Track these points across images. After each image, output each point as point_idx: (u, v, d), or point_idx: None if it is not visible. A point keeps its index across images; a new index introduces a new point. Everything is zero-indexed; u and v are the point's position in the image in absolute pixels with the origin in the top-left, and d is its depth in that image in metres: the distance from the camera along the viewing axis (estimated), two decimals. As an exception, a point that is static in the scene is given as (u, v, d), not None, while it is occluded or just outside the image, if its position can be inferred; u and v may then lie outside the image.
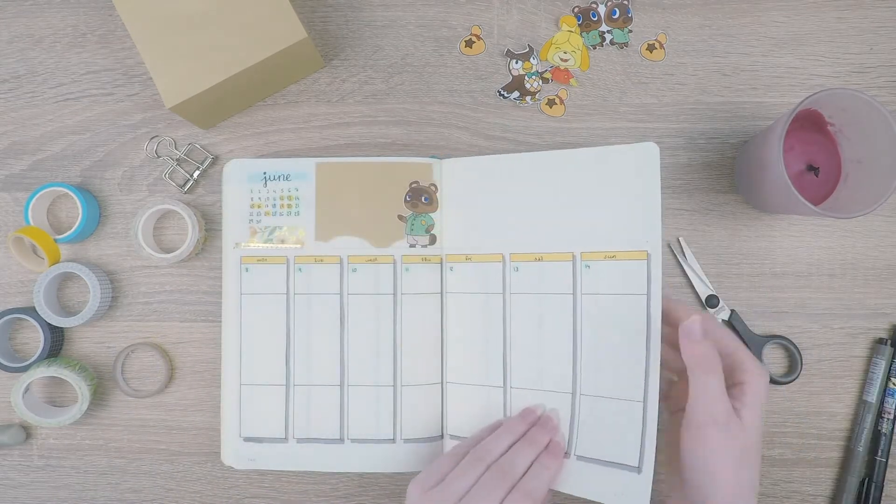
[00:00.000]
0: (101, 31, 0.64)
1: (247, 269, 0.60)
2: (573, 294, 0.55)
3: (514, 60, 0.63)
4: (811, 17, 0.63)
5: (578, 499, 0.53)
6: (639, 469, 0.50)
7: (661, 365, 0.51)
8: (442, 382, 0.59)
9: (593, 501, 0.52)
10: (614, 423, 0.52)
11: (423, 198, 0.60)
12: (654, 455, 0.50)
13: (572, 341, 0.55)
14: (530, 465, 0.52)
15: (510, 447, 0.53)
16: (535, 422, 0.55)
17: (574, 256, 0.55)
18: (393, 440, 0.58)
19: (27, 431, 0.62)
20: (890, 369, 0.60)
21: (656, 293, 0.51)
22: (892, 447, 0.60)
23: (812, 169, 0.58)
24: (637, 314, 0.52)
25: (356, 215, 0.60)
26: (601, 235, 0.55)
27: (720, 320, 0.61)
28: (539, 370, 0.56)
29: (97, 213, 0.62)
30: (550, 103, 0.63)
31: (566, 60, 0.63)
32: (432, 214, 0.60)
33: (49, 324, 0.60)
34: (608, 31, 0.63)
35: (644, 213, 0.53)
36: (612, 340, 0.53)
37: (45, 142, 0.63)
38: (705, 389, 0.47)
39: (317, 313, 0.60)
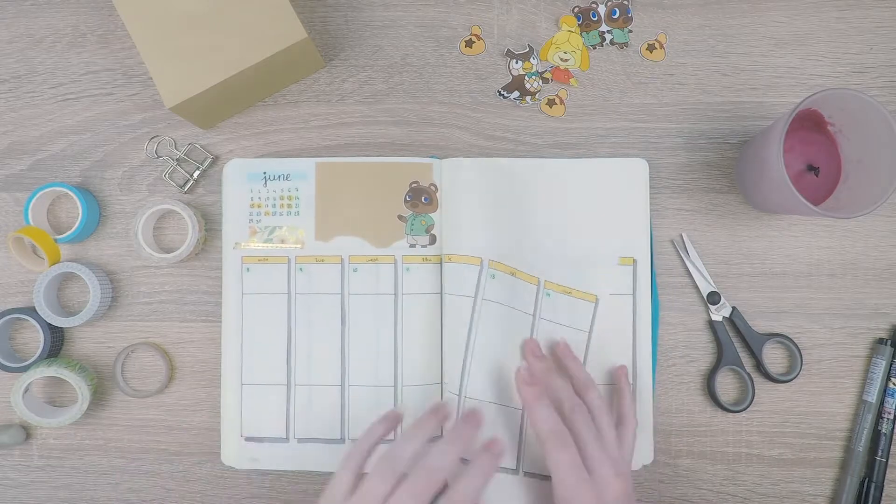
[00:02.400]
0: (101, 31, 0.64)
1: (248, 269, 0.60)
2: (532, 316, 0.58)
3: (514, 60, 0.63)
4: (811, 17, 0.63)
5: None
6: None
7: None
8: (442, 382, 0.59)
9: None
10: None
11: (423, 198, 0.60)
12: (651, 419, 0.58)
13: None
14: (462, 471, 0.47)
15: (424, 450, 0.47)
16: (447, 418, 0.51)
17: (539, 282, 0.59)
18: (394, 440, 0.58)
19: (27, 431, 0.62)
20: (890, 369, 0.60)
21: (643, 295, 0.60)
22: (892, 447, 0.60)
23: (812, 169, 0.58)
24: (625, 313, 0.59)
25: (356, 215, 0.60)
26: (593, 238, 0.59)
27: (721, 318, 0.61)
28: (497, 382, 0.57)
29: (97, 213, 0.62)
30: (550, 103, 0.63)
31: (566, 60, 0.63)
32: (432, 214, 0.60)
33: (49, 324, 0.60)
34: (608, 31, 0.63)
35: (633, 220, 0.60)
36: (601, 341, 0.59)
37: (45, 142, 0.63)
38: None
39: (318, 313, 0.60)
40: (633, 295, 0.60)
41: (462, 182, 0.60)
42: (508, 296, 0.58)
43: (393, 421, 0.52)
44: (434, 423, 0.50)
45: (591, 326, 0.59)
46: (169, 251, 0.61)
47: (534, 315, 0.58)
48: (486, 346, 0.57)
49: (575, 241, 0.60)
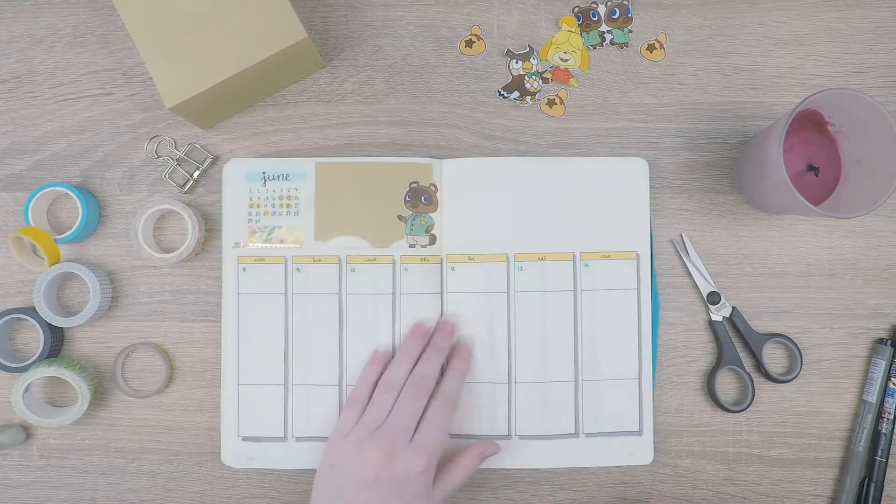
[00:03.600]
0: (101, 31, 0.64)
1: (244, 269, 0.60)
2: (574, 291, 0.60)
3: (514, 60, 0.63)
4: (811, 17, 0.63)
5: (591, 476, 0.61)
6: (640, 432, 0.60)
7: None
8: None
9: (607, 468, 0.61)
10: (614, 400, 0.60)
11: (422, 198, 0.60)
12: (651, 419, 0.60)
13: (573, 334, 0.60)
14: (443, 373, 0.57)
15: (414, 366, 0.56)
16: (427, 335, 0.58)
17: (574, 256, 0.60)
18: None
19: (27, 431, 0.62)
20: (890, 369, 0.60)
21: (645, 288, 0.60)
22: (892, 447, 0.60)
23: (812, 169, 0.58)
24: (629, 306, 0.60)
25: (356, 215, 0.60)
26: (595, 238, 0.60)
27: (721, 318, 0.61)
28: (543, 363, 0.59)
29: (97, 213, 0.62)
30: (550, 103, 0.63)
31: (566, 60, 0.63)
32: (432, 214, 0.60)
33: (49, 324, 0.60)
34: (608, 31, 0.63)
35: (633, 219, 0.60)
36: (609, 330, 0.60)
37: (45, 142, 0.63)
38: None
39: (315, 313, 0.60)
40: (637, 290, 0.60)
41: (468, 182, 0.60)
42: (539, 282, 0.60)
43: (382, 360, 0.58)
44: (416, 344, 0.57)
45: (639, 283, 0.60)
46: (169, 251, 0.61)
47: (574, 290, 0.60)
48: (528, 334, 0.60)
49: (579, 237, 0.60)
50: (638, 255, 0.60)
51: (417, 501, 0.50)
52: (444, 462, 0.55)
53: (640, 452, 0.60)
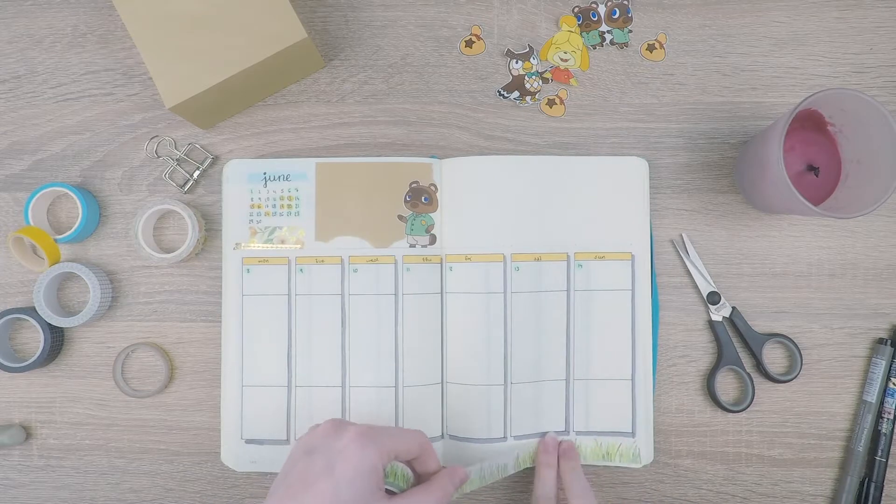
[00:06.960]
0: (101, 31, 0.64)
1: (248, 270, 0.60)
2: (567, 291, 0.60)
3: (514, 60, 0.63)
4: (811, 17, 0.63)
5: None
6: (632, 433, 0.60)
7: None
8: (442, 382, 0.59)
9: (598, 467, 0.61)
10: (606, 400, 0.60)
11: (423, 198, 0.60)
12: (650, 420, 0.60)
13: (566, 334, 0.60)
14: None
15: None
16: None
17: (568, 256, 0.60)
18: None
19: (27, 431, 0.62)
20: (890, 369, 0.60)
21: (642, 288, 0.60)
22: (892, 447, 0.60)
23: (812, 169, 0.58)
24: (623, 307, 0.60)
25: (356, 215, 0.60)
26: (593, 238, 0.60)
27: (721, 318, 0.61)
28: (537, 365, 0.59)
29: (97, 213, 0.62)
30: (550, 103, 0.63)
31: (566, 60, 0.63)
32: (432, 214, 0.60)
33: (49, 324, 0.60)
34: (608, 31, 0.63)
35: (632, 219, 0.60)
36: (602, 330, 0.60)
37: (45, 142, 0.63)
38: None
39: (318, 314, 0.60)
40: (632, 290, 0.60)
41: (467, 182, 0.60)
42: (535, 282, 0.60)
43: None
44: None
45: (633, 283, 0.60)
46: (169, 251, 0.61)
47: (567, 291, 0.60)
48: (523, 334, 0.59)
49: (577, 236, 0.60)
50: (633, 255, 0.60)
51: (350, 490, 0.45)
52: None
53: (633, 454, 0.59)
